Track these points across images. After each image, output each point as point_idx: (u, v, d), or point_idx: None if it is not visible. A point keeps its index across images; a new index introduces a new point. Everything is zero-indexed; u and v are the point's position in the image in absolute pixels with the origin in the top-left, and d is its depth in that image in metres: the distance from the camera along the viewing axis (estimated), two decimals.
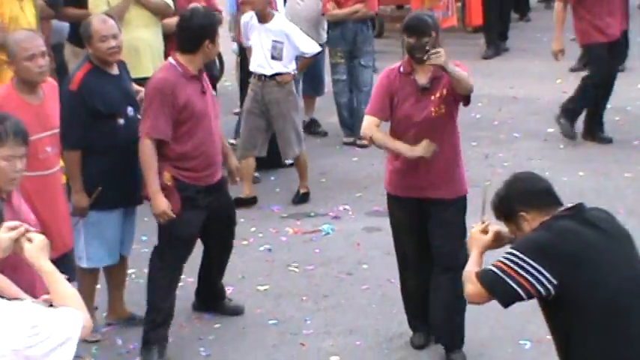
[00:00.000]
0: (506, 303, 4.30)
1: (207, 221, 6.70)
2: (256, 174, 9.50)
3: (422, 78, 6.17)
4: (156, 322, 6.56)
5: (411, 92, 6.18)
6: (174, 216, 6.42)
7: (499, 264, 4.24)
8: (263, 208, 8.97)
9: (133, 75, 7.11)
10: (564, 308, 4.21)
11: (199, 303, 7.22)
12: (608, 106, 11.26)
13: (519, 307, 4.49)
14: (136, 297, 7.15)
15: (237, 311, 7.16)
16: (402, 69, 6.25)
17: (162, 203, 6.37)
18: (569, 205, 4.45)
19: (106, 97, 6.48)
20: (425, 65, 6.08)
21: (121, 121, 6.52)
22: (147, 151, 6.36)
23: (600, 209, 4.57)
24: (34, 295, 4.74)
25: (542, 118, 11.05)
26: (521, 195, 4.47)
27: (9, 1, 8.14)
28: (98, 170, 6.45)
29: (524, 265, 4.18)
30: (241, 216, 8.68)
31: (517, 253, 4.22)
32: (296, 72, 9.31)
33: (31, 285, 4.72)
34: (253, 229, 8.54)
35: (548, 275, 4.16)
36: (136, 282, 7.43)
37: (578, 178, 9.34)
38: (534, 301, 4.28)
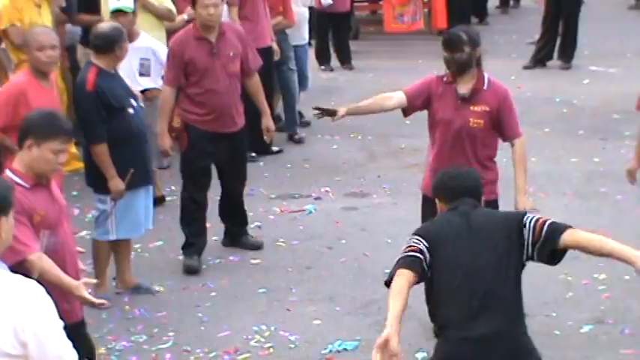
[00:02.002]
0: (422, 274, 4.40)
1: (219, 163, 7.35)
2: (253, 154, 9.53)
3: (462, 88, 5.89)
4: (192, 232, 7.27)
5: (451, 100, 5.89)
6: (172, 154, 7.34)
7: (405, 249, 4.44)
8: (253, 190, 8.93)
9: None
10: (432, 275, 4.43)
11: (227, 240, 7.71)
12: (557, 99, 11.31)
13: None
14: (141, 269, 7.16)
15: (255, 246, 7.62)
16: (445, 78, 6.02)
17: (165, 142, 7.17)
18: (464, 204, 4.51)
19: (116, 93, 6.54)
20: (465, 76, 5.88)
21: (131, 110, 6.58)
22: (164, 96, 7.20)
23: (488, 212, 4.69)
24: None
25: None
26: (437, 186, 4.68)
27: (28, 7, 8.12)
28: (122, 157, 6.50)
29: (416, 240, 4.40)
30: None
31: (413, 236, 4.47)
32: None
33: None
34: (245, 208, 8.50)
35: (425, 244, 4.37)
36: (141, 255, 7.42)
37: (531, 164, 9.24)
38: None
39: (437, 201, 4.67)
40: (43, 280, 4.43)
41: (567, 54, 12.57)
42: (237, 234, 7.71)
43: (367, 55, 13.81)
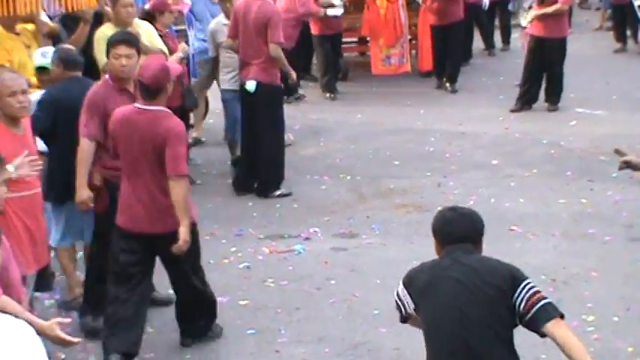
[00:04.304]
0: (402, 320, 4.62)
1: None
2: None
3: None
4: (89, 300, 6.88)
5: None
6: (92, 205, 6.71)
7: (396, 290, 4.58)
8: (242, 230, 8.91)
9: None
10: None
11: None
12: (544, 141, 11.33)
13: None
14: None
15: (166, 301, 7.12)
16: None
17: (84, 194, 6.67)
18: (457, 250, 4.49)
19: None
20: None
21: None
22: (83, 149, 6.67)
23: (483, 260, 4.53)
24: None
25: (487, 152, 11.06)
26: (434, 228, 4.63)
27: (18, 49, 8.10)
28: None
29: (401, 292, 4.52)
30: (222, 237, 8.68)
31: (400, 283, 4.56)
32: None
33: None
34: (233, 248, 8.47)
35: (409, 299, 4.48)
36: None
37: (519, 204, 9.34)
38: None
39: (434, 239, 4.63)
40: None
41: (553, 98, 12.61)
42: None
43: (356, 96, 13.84)
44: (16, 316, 4.51)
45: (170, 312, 6.90)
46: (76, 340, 4.79)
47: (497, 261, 4.54)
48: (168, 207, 6.18)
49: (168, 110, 6.39)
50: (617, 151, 6.15)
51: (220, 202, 9.70)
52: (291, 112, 11.91)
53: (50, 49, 7.55)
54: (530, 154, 10.93)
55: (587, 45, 16.19)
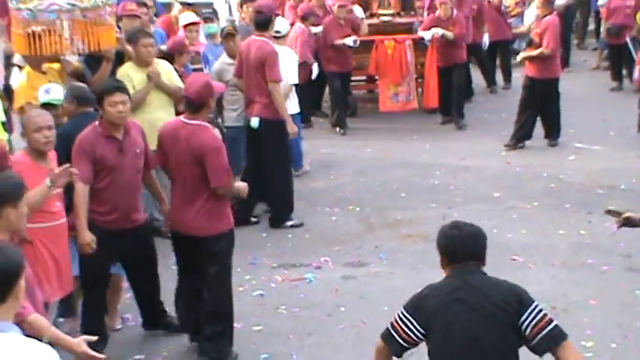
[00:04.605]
0: (396, 353, 4.53)
1: (126, 261, 6.97)
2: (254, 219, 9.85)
3: None
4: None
5: None
6: (94, 248, 6.56)
7: (392, 321, 4.48)
8: (256, 259, 8.91)
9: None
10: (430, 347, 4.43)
11: (146, 324, 7.37)
12: (544, 174, 11.33)
13: None
14: (140, 336, 7.12)
15: (174, 326, 7.23)
16: None
17: (86, 237, 6.53)
18: (464, 270, 4.46)
19: None
20: None
21: None
22: (80, 193, 6.57)
23: (489, 280, 4.50)
24: None
25: (490, 185, 11.07)
26: (441, 246, 4.60)
27: (42, 84, 8.15)
28: None
29: (404, 319, 4.41)
30: (237, 266, 8.65)
31: (402, 310, 4.45)
32: None
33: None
34: (248, 277, 8.48)
35: (417, 326, 4.38)
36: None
37: (521, 235, 9.34)
38: None
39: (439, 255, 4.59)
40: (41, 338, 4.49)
41: (552, 134, 12.61)
42: (158, 321, 7.39)
43: (365, 132, 13.87)
44: (41, 338, 4.57)
45: (182, 335, 6.91)
46: (102, 356, 4.83)
47: (504, 282, 4.50)
48: (210, 212, 6.61)
49: (207, 125, 6.66)
50: (611, 212, 6.06)
51: (235, 232, 9.67)
52: (305, 145, 12.00)
53: (53, 86, 7.57)
54: (531, 188, 10.92)
55: (585, 84, 16.19)
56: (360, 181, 11.44)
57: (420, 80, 14.41)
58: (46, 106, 7.36)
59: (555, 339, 4.28)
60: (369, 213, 10.24)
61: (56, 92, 7.42)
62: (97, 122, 6.74)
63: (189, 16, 11.51)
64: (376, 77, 14.45)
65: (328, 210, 10.40)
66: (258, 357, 6.86)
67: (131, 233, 6.76)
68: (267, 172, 9.81)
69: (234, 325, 6.99)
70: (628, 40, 15.45)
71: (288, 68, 10.46)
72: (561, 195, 10.61)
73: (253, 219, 9.92)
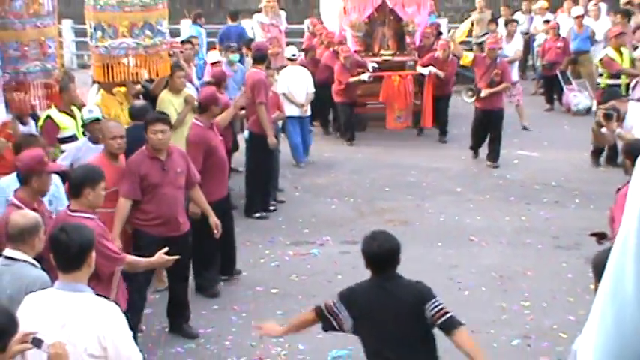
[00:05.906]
0: (325, 329, 4.43)
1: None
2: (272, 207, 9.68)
3: None
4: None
5: None
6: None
7: (327, 302, 4.36)
8: (273, 238, 8.89)
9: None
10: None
11: (172, 325, 6.66)
12: (495, 174, 11.26)
13: None
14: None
15: (192, 335, 6.53)
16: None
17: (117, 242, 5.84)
18: (382, 278, 4.36)
19: None
20: None
21: None
22: (121, 206, 6.18)
23: (401, 283, 4.35)
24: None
25: (453, 182, 11.01)
26: (364, 255, 4.42)
27: (114, 106, 8.17)
28: None
29: (338, 306, 4.30)
30: (259, 243, 8.66)
31: (336, 299, 4.36)
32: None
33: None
34: (267, 251, 8.46)
35: (346, 314, 4.28)
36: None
37: (476, 220, 9.31)
38: None
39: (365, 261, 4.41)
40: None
41: (493, 156, 12.08)
42: (179, 325, 6.63)
43: (372, 147, 13.65)
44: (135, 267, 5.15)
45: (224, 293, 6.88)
46: (175, 257, 5.38)
47: (414, 282, 4.36)
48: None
49: (198, 123, 6.91)
50: (596, 234, 5.86)
51: (256, 217, 9.67)
52: (311, 149, 11.94)
53: (94, 107, 7.43)
54: (484, 184, 10.88)
55: (526, 106, 16.03)
56: (354, 178, 11.39)
57: (417, 103, 13.91)
58: (89, 121, 7.13)
59: (449, 326, 4.15)
60: (361, 203, 10.21)
61: (96, 112, 7.31)
62: (144, 147, 6.34)
63: (214, 55, 11.23)
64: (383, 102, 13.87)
65: (329, 200, 10.37)
66: (275, 313, 6.84)
67: (172, 241, 6.06)
68: (246, 171, 9.66)
69: (257, 289, 6.96)
70: (558, 72, 15.42)
71: (305, 80, 10.83)
72: (507, 190, 10.58)
73: (271, 207, 9.83)
